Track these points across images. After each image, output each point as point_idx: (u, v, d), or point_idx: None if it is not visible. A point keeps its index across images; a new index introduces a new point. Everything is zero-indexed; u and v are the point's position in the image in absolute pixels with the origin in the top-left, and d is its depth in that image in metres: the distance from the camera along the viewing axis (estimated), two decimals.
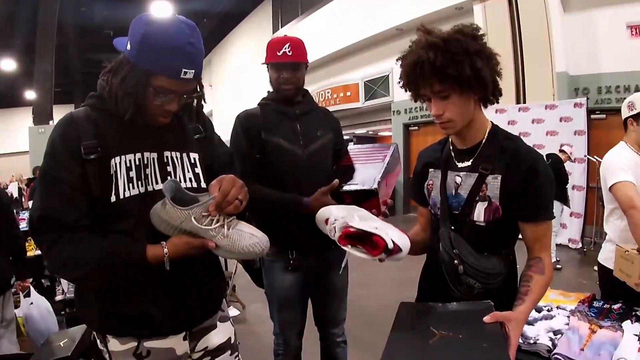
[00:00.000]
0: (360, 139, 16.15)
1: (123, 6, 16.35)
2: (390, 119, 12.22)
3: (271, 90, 2.34)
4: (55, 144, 1.29)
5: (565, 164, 6.35)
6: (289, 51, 2.19)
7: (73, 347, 1.97)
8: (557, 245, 6.41)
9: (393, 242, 1.39)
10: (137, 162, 1.34)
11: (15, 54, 19.52)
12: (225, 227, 1.27)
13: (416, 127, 11.87)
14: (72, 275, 1.30)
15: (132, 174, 1.33)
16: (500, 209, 1.42)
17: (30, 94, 20.30)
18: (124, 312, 1.36)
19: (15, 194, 6.41)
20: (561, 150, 6.49)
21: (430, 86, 1.38)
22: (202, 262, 1.46)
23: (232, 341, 1.64)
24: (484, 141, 1.49)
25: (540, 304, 2.11)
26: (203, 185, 1.47)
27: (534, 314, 1.97)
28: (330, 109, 13.48)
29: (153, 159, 1.38)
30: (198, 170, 1.48)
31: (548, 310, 2.02)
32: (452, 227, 1.49)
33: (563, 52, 8.12)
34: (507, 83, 8.72)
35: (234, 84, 21.25)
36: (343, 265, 2.34)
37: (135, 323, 1.37)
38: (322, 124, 2.35)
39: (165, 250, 1.29)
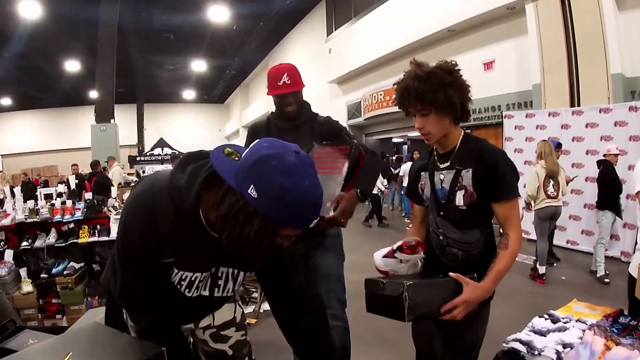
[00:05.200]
0: (415, 142, 16.03)
1: (181, 11, 16.96)
2: None
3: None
4: (136, 245, 1.32)
5: (616, 167, 6.09)
6: (287, 80, 2.56)
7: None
8: (606, 257, 6.06)
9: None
10: (193, 279, 1.44)
11: (79, 56, 20.57)
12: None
13: (469, 131, 11.58)
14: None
15: (184, 284, 1.44)
16: (475, 194, 1.85)
17: (93, 94, 21.33)
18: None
19: (73, 186, 6.87)
20: (606, 155, 6.22)
21: (414, 106, 1.84)
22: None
23: (238, 320, 1.76)
24: (457, 146, 1.94)
25: (560, 315, 2.08)
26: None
27: (547, 325, 1.95)
28: (383, 111, 13.56)
29: (208, 275, 1.49)
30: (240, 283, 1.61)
31: (565, 322, 1.97)
32: (441, 213, 1.94)
33: (618, 53, 7.77)
34: (560, 85, 8.48)
35: None
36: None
37: None
38: (311, 133, 2.65)
39: None
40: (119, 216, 4.45)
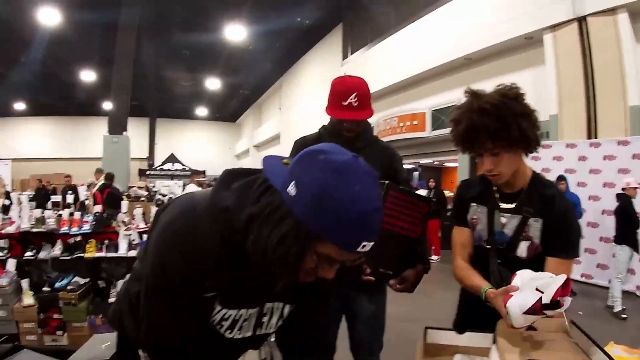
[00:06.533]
0: (426, 169, 15.92)
1: (199, 29, 17.16)
2: (457, 150, 11.78)
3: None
4: (176, 280, 1.09)
5: (635, 201, 6.04)
6: (355, 101, 2.09)
7: (113, 352, 1.96)
8: (623, 292, 5.96)
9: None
10: (237, 317, 1.22)
11: (95, 66, 20.88)
12: None
13: None
14: None
15: (226, 324, 1.22)
16: (541, 247, 1.69)
17: (107, 105, 21.51)
18: None
19: (82, 198, 6.78)
20: (625, 188, 6.16)
21: (484, 146, 1.64)
22: None
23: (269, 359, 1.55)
24: (526, 187, 1.75)
25: None
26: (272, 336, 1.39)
27: None
28: (397, 137, 13.49)
29: (254, 312, 1.26)
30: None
31: None
32: (499, 261, 1.74)
33: (636, 85, 7.70)
34: (577, 116, 8.41)
35: (303, 108, 21.69)
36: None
37: None
38: (371, 161, 2.28)
39: None
40: (128, 232, 4.39)
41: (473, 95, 1.67)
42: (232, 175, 1.14)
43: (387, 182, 1.89)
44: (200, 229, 1.07)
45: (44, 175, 19.44)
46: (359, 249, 0.94)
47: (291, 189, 0.94)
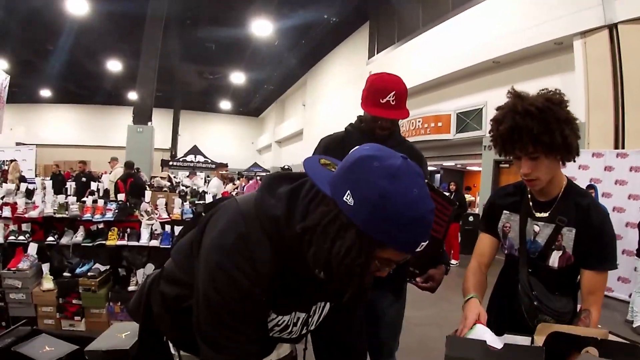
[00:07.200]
0: (448, 172, 15.75)
1: (225, 22, 17.21)
2: (481, 154, 11.66)
3: (361, 114, 2.29)
4: (240, 292, 1.05)
5: None
6: (392, 100, 2.07)
7: (133, 342, 1.95)
8: None
9: None
10: (287, 322, 1.22)
11: (122, 57, 21.12)
12: None
13: (507, 165, 11.17)
14: None
15: (277, 329, 1.22)
16: (573, 257, 1.66)
17: (132, 95, 21.75)
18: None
19: (106, 186, 6.84)
20: None
21: (525, 149, 1.58)
22: None
23: (294, 354, 1.58)
24: (560, 195, 1.72)
25: None
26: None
27: None
28: (420, 138, 13.36)
29: (304, 316, 1.26)
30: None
31: None
32: (529, 270, 1.72)
33: None
34: (605, 125, 8.23)
35: (327, 105, 21.67)
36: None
37: None
38: None
39: None
40: (151, 222, 4.41)
41: (517, 96, 1.63)
42: (276, 181, 1.13)
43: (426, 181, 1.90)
44: (253, 237, 1.05)
45: (66, 162, 19.75)
46: (418, 249, 0.98)
47: (348, 199, 0.93)
